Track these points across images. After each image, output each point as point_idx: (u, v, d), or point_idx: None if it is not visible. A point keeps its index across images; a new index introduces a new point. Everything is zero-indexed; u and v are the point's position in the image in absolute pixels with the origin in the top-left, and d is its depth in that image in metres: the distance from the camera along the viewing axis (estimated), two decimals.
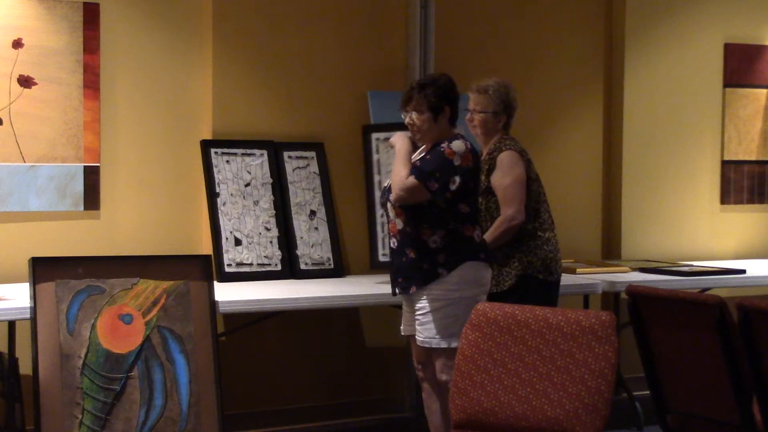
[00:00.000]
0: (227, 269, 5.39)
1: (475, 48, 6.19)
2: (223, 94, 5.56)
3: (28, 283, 4.56)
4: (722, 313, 4.15)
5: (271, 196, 5.62)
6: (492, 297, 4.66)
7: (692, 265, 6.24)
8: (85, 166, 5.28)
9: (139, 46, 5.43)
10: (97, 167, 5.31)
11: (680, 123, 6.73)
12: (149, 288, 4.72)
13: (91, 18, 5.27)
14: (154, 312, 4.69)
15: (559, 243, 4.99)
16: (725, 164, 6.84)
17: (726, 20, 6.80)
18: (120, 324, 4.62)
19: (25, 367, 4.62)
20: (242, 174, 5.56)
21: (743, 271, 6.04)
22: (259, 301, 4.95)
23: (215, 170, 5.49)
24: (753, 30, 6.89)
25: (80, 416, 4.46)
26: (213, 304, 4.79)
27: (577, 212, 6.30)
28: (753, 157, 6.90)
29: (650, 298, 4.50)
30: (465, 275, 4.46)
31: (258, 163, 5.61)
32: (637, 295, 4.54)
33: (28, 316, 4.50)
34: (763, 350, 4.00)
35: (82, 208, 5.29)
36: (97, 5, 5.29)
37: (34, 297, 4.51)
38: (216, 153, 5.51)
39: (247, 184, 5.58)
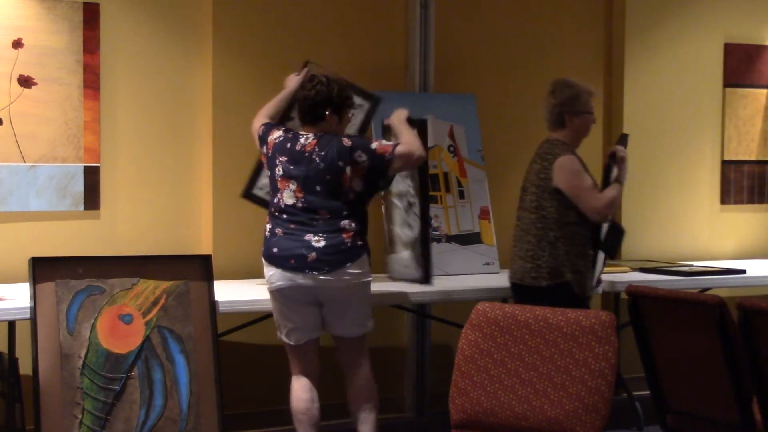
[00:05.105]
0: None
1: (475, 48, 6.19)
2: (223, 94, 5.56)
3: (28, 283, 4.56)
4: (722, 313, 4.15)
5: None
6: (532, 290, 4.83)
7: (692, 265, 6.24)
8: (85, 166, 5.28)
9: (139, 46, 5.43)
10: (97, 167, 5.31)
11: (680, 123, 6.73)
12: (149, 288, 4.72)
13: (91, 18, 5.27)
14: (154, 312, 4.69)
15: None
16: (725, 164, 6.84)
17: (726, 20, 6.80)
18: (120, 324, 4.63)
19: (25, 367, 4.62)
20: None
21: (743, 271, 6.03)
22: (259, 301, 4.95)
23: None
24: (753, 30, 6.89)
25: (80, 416, 4.47)
26: (213, 304, 4.79)
27: None
28: (753, 157, 6.90)
29: (650, 298, 4.50)
30: None
31: None
32: (637, 295, 4.54)
33: (28, 316, 4.50)
34: (763, 350, 4.00)
35: (82, 208, 5.29)
36: (97, 5, 5.29)
37: (34, 297, 4.51)
38: None
39: None
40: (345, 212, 4.59)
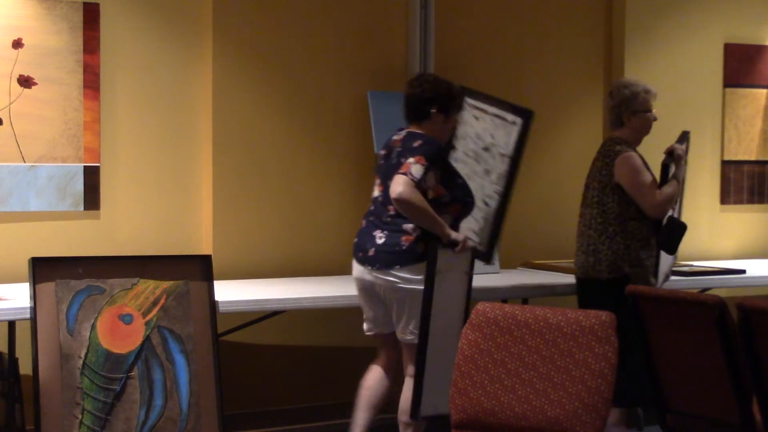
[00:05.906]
0: None
1: (475, 48, 6.19)
2: (223, 94, 5.56)
3: (28, 283, 4.56)
4: (722, 313, 4.14)
5: None
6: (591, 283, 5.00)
7: (692, 265, 6.24)
8: (85, 166, 5.28)
9: (139, 46, 5.43)
10: (97, 167, 5.31)
11: (680, 123, 6.71)
12: (149, 288, 4.72)
13: (91, 18, 5.27)
14: (154, 312, 4.69)
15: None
16: (725, 164, 6.84)
17: (726, 20, 6.80)
18: (120, 324, 4.63)
19: (25, 367, 4.62)
20: None
21: (743, 271, 6.03)
22: (259, 301, 4.96)
23: None
24: (753, 30, 6.89)
25: (80, 416, 4.47)
26: (213, 304, 4.79)
27: (577, 211, 6.29)
28: (753, 157, 6.90)
29: (650, 298, 4.50)
30: None
31: None
32: (637, 295, 4.54)
33: (28, 316, 4.50)
34: (763, 350, 4.00)
35: (82, 208, 5.29)
36: (97, 5, 5.29)
37: (34, 297, 4.51)
38: None
39: None
40: None
